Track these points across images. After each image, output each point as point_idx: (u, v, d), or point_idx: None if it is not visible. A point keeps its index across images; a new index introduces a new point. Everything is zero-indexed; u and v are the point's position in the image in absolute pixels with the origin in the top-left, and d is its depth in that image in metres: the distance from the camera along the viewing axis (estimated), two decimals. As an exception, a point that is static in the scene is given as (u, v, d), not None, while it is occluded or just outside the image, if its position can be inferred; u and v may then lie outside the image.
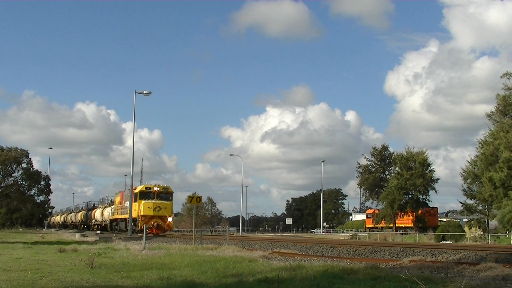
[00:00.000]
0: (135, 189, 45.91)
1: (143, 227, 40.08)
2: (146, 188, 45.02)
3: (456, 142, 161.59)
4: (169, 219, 44.10)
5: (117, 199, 54.34)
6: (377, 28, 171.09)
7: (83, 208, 80.00)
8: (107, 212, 58.27)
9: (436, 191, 66.91)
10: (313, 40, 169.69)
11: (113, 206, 54.94)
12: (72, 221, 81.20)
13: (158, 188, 44.77)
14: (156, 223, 42.57)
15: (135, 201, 44.42)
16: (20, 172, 73.64)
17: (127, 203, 47.19)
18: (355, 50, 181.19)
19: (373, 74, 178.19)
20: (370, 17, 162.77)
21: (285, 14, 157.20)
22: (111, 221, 54.87)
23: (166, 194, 44.96)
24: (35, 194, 75.92)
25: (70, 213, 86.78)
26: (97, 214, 63.45)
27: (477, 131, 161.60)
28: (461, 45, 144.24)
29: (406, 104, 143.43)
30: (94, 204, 73.00)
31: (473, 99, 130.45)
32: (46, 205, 78.61)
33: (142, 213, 43.01)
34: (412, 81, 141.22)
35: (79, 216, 75.39)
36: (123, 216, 48.66)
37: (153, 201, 43.51)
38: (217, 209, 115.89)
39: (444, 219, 73.56)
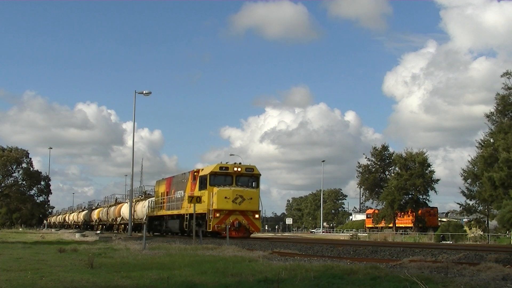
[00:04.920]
0: (197, 172, 32.01)
1: (217, 227, 28.41)
2: (221, 168, 30.07)
3: (455, 143, 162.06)
4: (257, 215, 29.99)
5: (161, 189, 39.68)
6: (375, 29, 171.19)
7: (100, 205, 69.29)
8: (142, 208, 45.45)
9: (436, 192, 67.09)
10: (312, 42, 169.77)
11: (153, 199, 42.21)
12: (84, 220, 71.10)
13: (239, 169, 30.09)
14: (237, 222, 29.05)
15: (203, 188, 30.23)
16: (20, 172, 73.80)
17: (180, 193, 34.34)
18: (353, 51, 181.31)
19: (371, 75, 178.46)
20: (368, 19, 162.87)
21: (283, 16, 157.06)
22: (151, 219, 41.44)
23: (250, 178, 30.48)
24: (35, 194, 76.01)
25: (82, 211, 77.08)
26: (125, 210, 50.07)
27: (475, 131, 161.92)
28: (459, 46, 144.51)
29: (405, 104, 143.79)
30: (117, 199, 61.17)
31: (471, 99, 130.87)
32: (46, 205, 78.65)
33: (215, 207, 28.95)
34: (410, 82, 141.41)
35: (96, 214, 64.11)
36: (174, 212, 34.88)
37: (233, 188, 29.47)
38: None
39: (444, 219, 73.70)
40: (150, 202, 42.59)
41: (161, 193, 39.13)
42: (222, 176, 30.03)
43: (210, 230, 29.06)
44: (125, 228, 49.05)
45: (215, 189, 29.28)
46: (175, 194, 35.49)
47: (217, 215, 28.90)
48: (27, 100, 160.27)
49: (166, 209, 36.82)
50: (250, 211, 29.54)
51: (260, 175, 31.21)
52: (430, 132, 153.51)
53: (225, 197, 29.00)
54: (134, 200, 49.59)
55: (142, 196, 50.02)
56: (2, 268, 12.84)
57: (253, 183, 30.60)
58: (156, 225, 40.41)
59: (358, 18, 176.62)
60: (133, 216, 47.42)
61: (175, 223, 35.09)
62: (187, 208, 31.89)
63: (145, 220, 43.01)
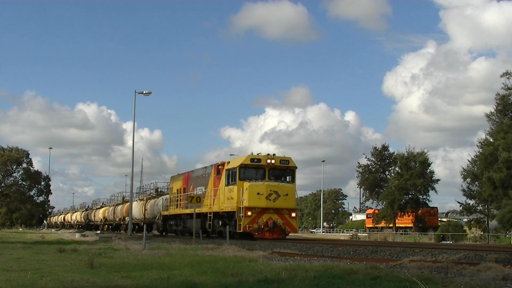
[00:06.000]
0: (221, 165, 28.69)
1: (248, 228, 25.30)
2: (252, 160, 26.82)
3: (455, 143, 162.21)
4: (293, 214, 26.59)
5: (177, 185, 36.24)
6: (375, 30, 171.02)
7: (105, 204, 67.36)
8: (155, 206, 42.22)
9: (436, 191, 67.22)
10: (311, 42, 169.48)
11: (167, 196, 38.95)
12: (88, 220, 68.95)
13: (273, 161, 26.78)
14: (271, 221, 25.76)
15: (231, 183, 27.01)
16: (20, 172, 73.93)
17: (201, 189, 31.18)
18: (353, 51, 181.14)
19: (371, 75, 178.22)
20: (368, 19, 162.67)
21: (283, 16, 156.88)
22: (166, 218, 38.37)
23: (285, 171, 27.25)
24: (35, 195, 76.09)
25: (85, 210, 75.03)
26: (134, 209, 46.51)
27: (475, 131, 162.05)
28: (458, 46, 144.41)
29: (404, 105, 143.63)
30: (124, 197, 58.43)
31: (470, 100, 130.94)
32: (46, 205, 78.72)
33: (247, 204, 25.65)
34: (410, 82, 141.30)
35: (101, 213, 61.55)
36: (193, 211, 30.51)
37: (266, 182, 26.18)
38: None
39: (444, 219, 73.79)
40: (164, 200, 39.76)
41: (177, 189, 35.84)
42: (253, 169, 26.70)
43: (241, 230, 25.73)
44: (134, 228, 46.28)
45: (246, 184, 25.97)
46: (194, 190, 32.43)
47: (249, 213, 25.55)
48: (27, 100, 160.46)
49: (184, 207, 33.41)
50: (286, 209, 26.36)
51: (297, 167, 27.77)
52: (429, 132, 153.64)
53: (258, 193, 25.72)
54: (144, 198, 47.04)
55: (153, 194, 46.72)
56: (2, 268, 12.84)
57: (288, 177, 27.24)
58: (171, 225, 37.19)
59: (358, 19, 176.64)
60: (144, 215, 45.02)
61: (194, 224, 31.69)
62: (210, 206, 29.14)
63: (158, 219, 40.85)
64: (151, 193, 48.08)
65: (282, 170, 27.21)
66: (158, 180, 57.94)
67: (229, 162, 28.37)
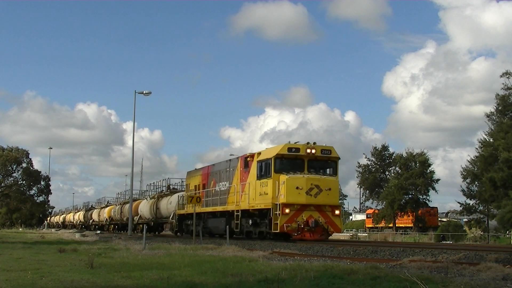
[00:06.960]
0: (251, 156, 25.81)
1: (286, 227, 22.47)
2: (289, 149, 23.75)
3: (455, 143, 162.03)
4: (337, 212, 23.80)
5: (195, 181, 33.86)
6: (375, 30, 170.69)
7: (110, 202, 65.20)
8: (168, 204, 39.41)
9: (436, 191, 67.26)
10: (311, 42, 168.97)
11: (183, 193, 36.34)
12: (92, 219, 66.23)
13: (314, 150, 23.79)
14: (312, 220, 22.86)
15: (265, 176, 24.07)
16: (20, 172, 73.91)
17: (224, 185, 28.67)
18: (353, 51, 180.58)
19: (371, 75, 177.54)
20: (368, 19, 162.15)
21: (283, 16, 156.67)
22: (181, 217, 35.49)
23: (327, 162, 24.43)
24: (35, 194, 76.12)
25: (89, 209, 72.59)
26: (143, 208, 44.64)
27: (475, 131, 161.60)
28: (458, 46, 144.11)
29: (404, 105, 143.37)
30: (132, 195, 54.32)
31: (470, 100, 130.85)
32: (46, 205, 78.77)
33: (284, 200, 22.76)
34: (409, 83, 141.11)
35: (106, 212, 58.76)
36: (217, 209, 28.96)
37: (306, 175, 23.18)
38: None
39: (444, 219, 73.78)
40: (179, 198, 36.60)
41: (195, 186, 33.16)
42: (290, 160, 23.69)
43: (277, 230, 22.79)
44: (143, 228, 43.68)
45: (283, 177, 23.01)
46: (216, 186, 29.81)
47: (287, 211, 22.54)
48: (28, 100, 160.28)
49: (204, 205, 30.74)
50: (329, 205, 23.35)
51: (339, 158, 24.72)
52: (429, 132, 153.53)
53: (297, 188, 22.72)
54: (156, 196, 44.64)
55: (165, 191, 43.64)
56: (2, 268, 12.84)
57: (330, 169, 24.40)
58: (188, 224, 33.63)
59: (358, 19, 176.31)
60: (156, 214, 42.65)
61: (218, 223, 28.78)
62: (237, 203, 26.15)
63: (172, 218, 38.34)
64: (162, 190, 45.23)
65: (323, 161, 24.36)
66: (167, 178, 54.66)
67: (260, 153, 25.31)
